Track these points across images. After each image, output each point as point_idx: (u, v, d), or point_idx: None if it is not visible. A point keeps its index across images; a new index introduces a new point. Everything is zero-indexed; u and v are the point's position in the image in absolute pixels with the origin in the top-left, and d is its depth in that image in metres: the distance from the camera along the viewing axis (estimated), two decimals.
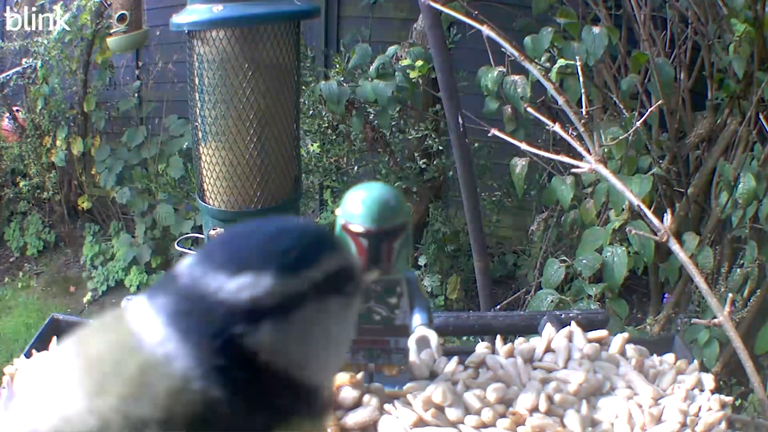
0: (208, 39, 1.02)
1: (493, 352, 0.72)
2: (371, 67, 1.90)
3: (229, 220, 1.08)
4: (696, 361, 0.72)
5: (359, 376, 0.67)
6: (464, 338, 1.89)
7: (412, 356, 0.69)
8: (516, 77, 1.60)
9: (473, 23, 0.98)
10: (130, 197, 2.93)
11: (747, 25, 1.54)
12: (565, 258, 1.65)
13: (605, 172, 0.76)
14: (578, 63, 0.92)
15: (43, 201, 3.26)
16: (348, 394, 0.65)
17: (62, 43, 2.78)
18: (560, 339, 0.73)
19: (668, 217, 0.73)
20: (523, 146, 0.91)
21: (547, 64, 1.54)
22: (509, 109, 1.72)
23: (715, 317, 0.69)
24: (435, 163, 2.50)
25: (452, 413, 0.63)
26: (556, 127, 0.83)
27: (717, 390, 0.69)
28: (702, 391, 0.68)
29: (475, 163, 2.19)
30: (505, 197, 2.56)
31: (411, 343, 0.64)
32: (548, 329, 0.75)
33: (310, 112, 2.32)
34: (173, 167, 2.92)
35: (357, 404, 0.65)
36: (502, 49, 1.02)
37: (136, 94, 3.01)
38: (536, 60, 1.51)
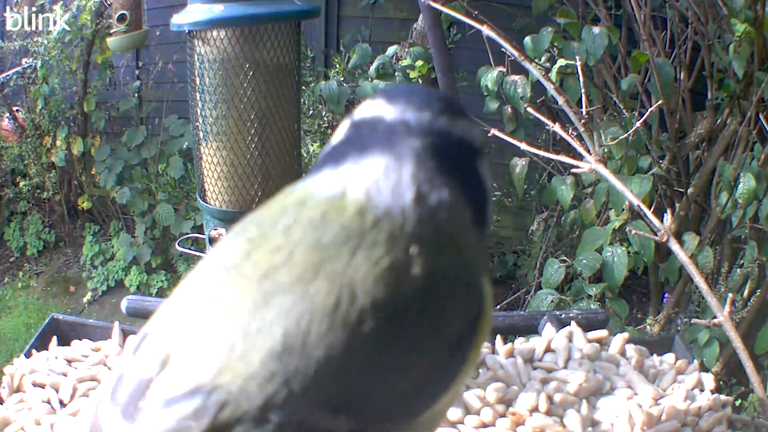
0: (209, 39, 1.02)
1: (493, 352, 0.72)
2: (371, 67, 1.90)
3: (230, 220, 1.09)
4: (696, 361, 0.72)
5: None
6: None
7: None
8: (516, 77, 1.60)
9: (473, 23, 0.97)
10: (130, 197, 2.93)
11: (747, 25, 1.54)
12: (565, 258, 1.65)
13: (605, 172, 0.76)
14: (578, 63, 0.92)
15: (43, 201, 3.26)
16: None
17: (62, 43, 2.78)
18: (560, 339, 0.73)
19: (668, 217, 0.73)
20: (523, 146, 0.91)
21: (547, 64, 1.54)
22: (509, 109, 1.72)
23: (715, 317, 0.69)
24: None
25: (452, 413, 0.63)
26: (556, 127, 0.83)
27: (717, 390, 0.69)
28: (702, 391, 0.68)
29: None
30: (505, 197, 2.55)
31: None
32: (548, 329, 0.75)
33: (310, 112, 2.32)
34: (173, 167, 2.92)
35: None
36: (502, 49, 1.02)
37: (136, 94, 3.01)
38: (536, 60, 1.51)
